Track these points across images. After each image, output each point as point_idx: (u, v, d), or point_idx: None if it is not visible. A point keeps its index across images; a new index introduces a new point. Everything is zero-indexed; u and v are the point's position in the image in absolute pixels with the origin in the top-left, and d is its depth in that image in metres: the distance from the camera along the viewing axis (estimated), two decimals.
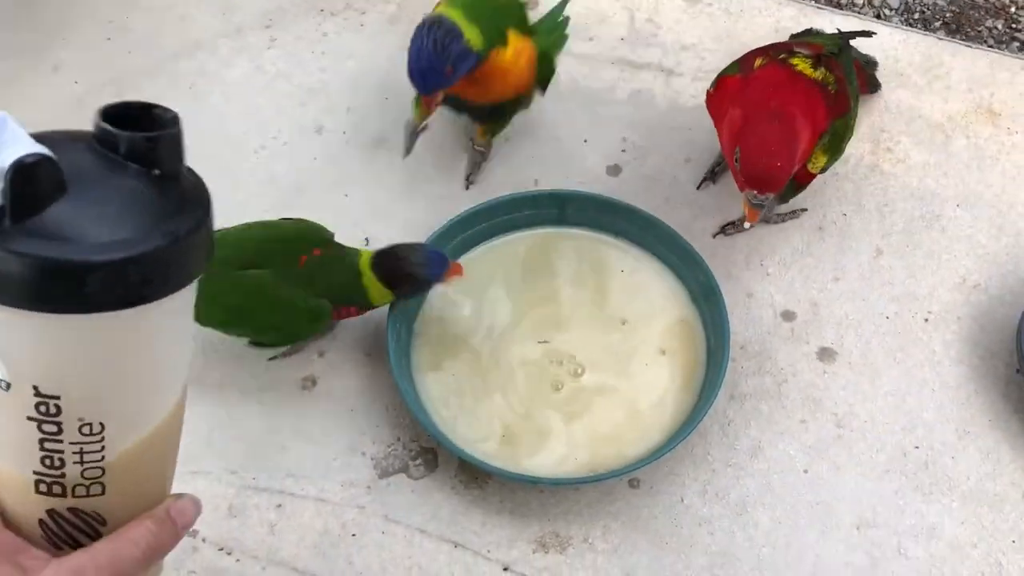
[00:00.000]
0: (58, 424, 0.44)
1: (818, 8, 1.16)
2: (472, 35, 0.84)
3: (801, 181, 0.94)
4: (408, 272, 0.83)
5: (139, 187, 0.44)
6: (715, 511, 0.82)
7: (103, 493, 0.47)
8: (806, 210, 0.99)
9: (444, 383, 0.87)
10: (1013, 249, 0.96)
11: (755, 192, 0.83)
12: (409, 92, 1.01)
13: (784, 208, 0.98)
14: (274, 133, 1.06)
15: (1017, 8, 1.19)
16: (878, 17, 1.23)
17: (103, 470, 0.46)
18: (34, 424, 0.44)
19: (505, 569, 0.80)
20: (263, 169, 1.03)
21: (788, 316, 0.93)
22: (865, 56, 1.05)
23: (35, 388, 0.43)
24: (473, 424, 0.85)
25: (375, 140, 1.05)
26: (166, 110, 0.45)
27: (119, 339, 0.44)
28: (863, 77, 1.02)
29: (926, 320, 0.92)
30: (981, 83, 1.08)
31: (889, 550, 0.80)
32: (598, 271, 0.94)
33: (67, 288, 0.40)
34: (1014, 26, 1.19)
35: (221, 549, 0.81)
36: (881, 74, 1.07)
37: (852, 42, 0.98)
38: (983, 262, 0.95)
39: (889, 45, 1.11)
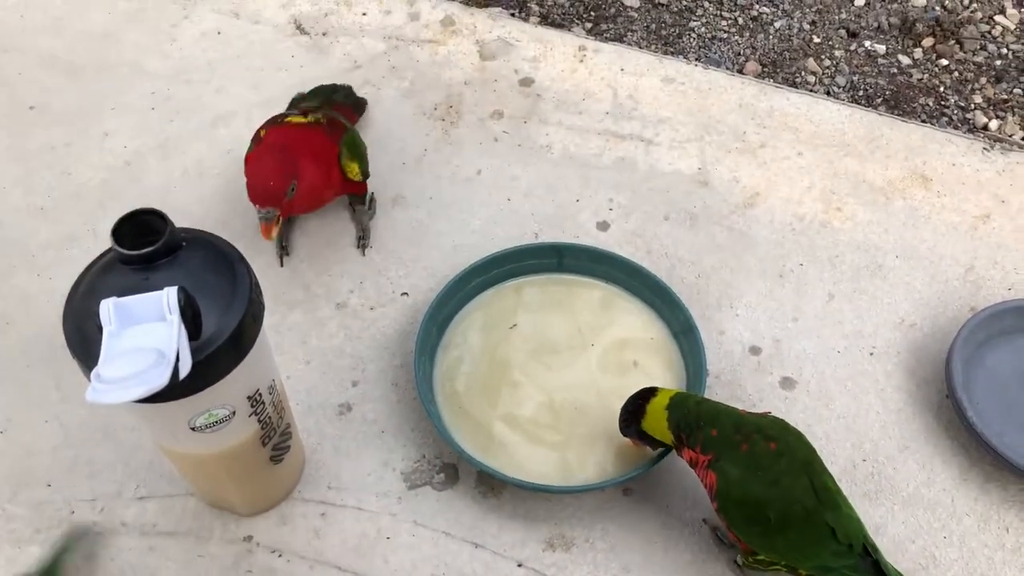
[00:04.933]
0: (262, 400, 0.80)
1: (776, 87, 1.34)
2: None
3: (355, 192, 1.16)
4: None
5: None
6: (696, 515, 0.96)
7: (285, 409, 0.87)
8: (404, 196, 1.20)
9: (460, 408, 1.01)
10: (943, 294, 1.13)
11: (257, 206, 1.02)
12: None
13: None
14: None
15: (945, 88, 1.38)
16: (828, 94, 1.41)
17: (282, 404, 0.85)
18: (254, 410, 0.79)
19: (519, 565, 0.93)
20: (300, 219, 1.17)
21: (755, 351, 1.08)
22: (356, 99, 1.28)
23: (247, 398, 0.78)
24: (485, 443, 0.98)
25: (393, 198, 1.20)
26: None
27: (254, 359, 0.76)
28: (347, 111, 1.24)
29: (871, 354, 1.08)
30: (916, 153, 1.26)
31: None
32: (590, 312, 1.08)
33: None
34: (943, 103, 1.37)
35: (273, 551, 0.93)
36: (830, 144, 1.24)
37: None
38: (918, 305, 1.12)
39: (838, 119, 1.29)
